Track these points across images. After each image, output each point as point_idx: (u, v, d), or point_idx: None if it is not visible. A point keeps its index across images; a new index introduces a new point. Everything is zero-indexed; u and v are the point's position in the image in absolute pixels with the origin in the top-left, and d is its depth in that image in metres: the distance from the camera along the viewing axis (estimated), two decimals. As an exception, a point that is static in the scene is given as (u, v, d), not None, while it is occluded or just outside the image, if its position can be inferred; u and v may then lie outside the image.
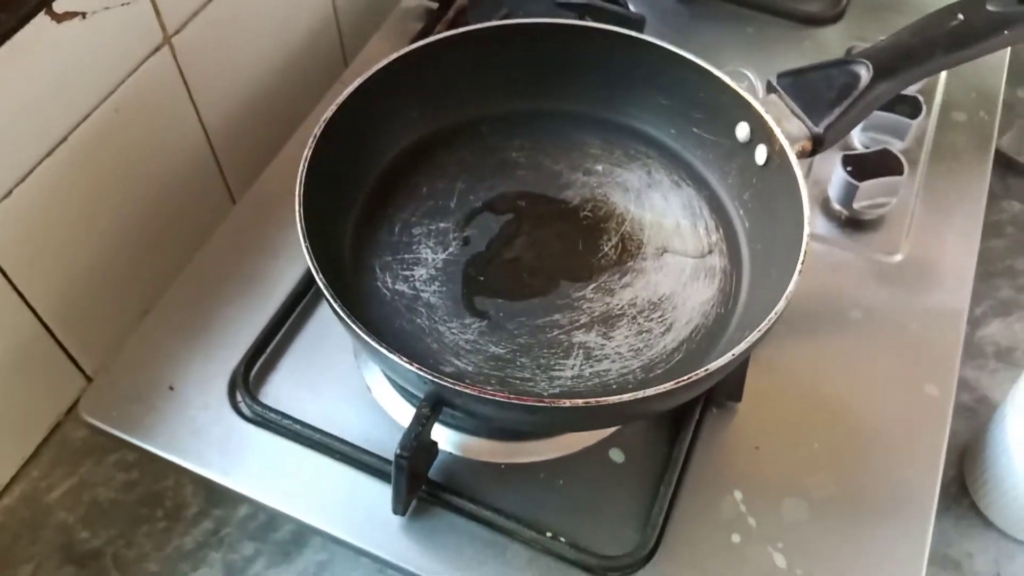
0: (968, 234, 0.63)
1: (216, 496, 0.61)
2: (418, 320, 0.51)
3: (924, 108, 0.65)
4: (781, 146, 0.51)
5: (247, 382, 0.54)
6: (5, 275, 0.54)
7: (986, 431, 0.62)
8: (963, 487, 0.64)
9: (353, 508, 0.51)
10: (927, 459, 0.53)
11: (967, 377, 0.69)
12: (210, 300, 0.59)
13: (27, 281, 0.56)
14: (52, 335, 0.59)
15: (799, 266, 0.46)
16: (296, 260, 0.60)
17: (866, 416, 0.55)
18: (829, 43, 0.75)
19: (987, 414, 0.64)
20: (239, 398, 0.54)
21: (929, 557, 0.50)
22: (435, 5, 0.75)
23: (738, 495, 0.52)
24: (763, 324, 0.44)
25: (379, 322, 0.51)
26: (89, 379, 0.63)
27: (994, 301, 0.73)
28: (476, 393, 0.41)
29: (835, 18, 0.76)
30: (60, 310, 0.59)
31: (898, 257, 0.62)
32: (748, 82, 0.71)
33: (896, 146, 0.65)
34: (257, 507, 0.60)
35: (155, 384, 0.55)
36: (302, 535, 0.59)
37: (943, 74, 0.72)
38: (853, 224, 0.63)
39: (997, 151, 0.69)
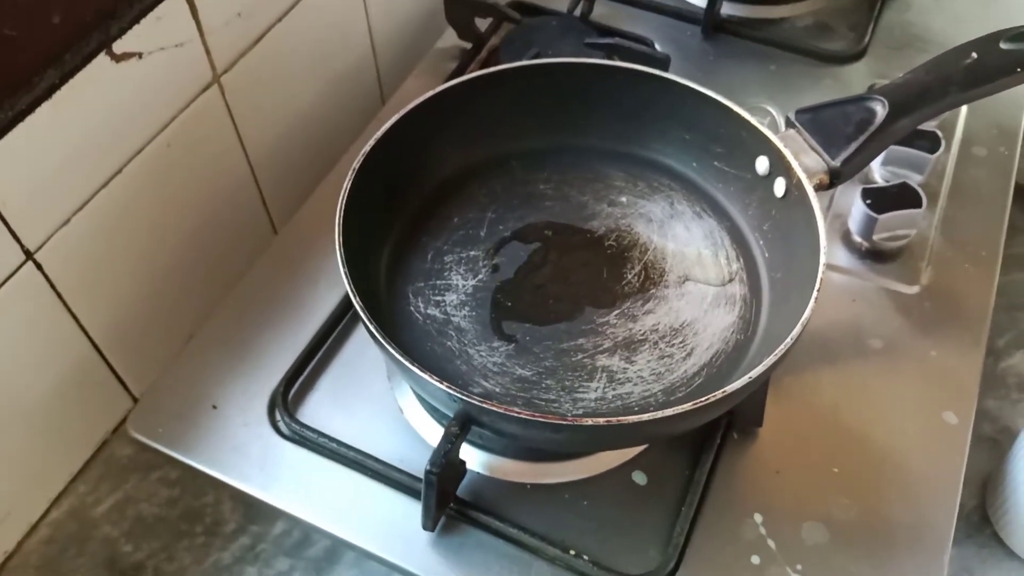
0: (988, 265, 0.64)
1: (253, 513, 0.63)
2: (448, 343, 0.54)
3: (943, 143, 0.67)
4: (799, 179, 0.53)
5: (286, 402, 0.57)
6: (61, 299, 0.57)
7: (1007, 461, 0.63)
8: (984, 516, 0.65)
9: (384, 524, 0.53)
10: (946, 485, 0.54)
11: (989, 408, 0.69)
12: (252, 324, 0.61)
13: (81, 305, 0.59)
14: (103, 357, 0.63)
15: (815, 293, 0.48)
16: (334, 287, 0.63)
17: (886, 442, 0.56)
18: (850, 81, 0.77)
19: (1009, 444, 0.64)
20: (278, 417, 0.57)
21: (951, 585, 0.51)
22: (469, 45, 0.79)
23: (758, 518, 0.53)
24: (779, 348, 0.46)
25: (411, 344, 0.53)
26: (135, 400, 0.66)
27: (1017, 333, 0.73)
28: (503, 411, 0.43)
29: (856, 56, 0.78)
30: (111, 333, 0.62)
31: (918, 288, 0.63)
32: (771, 118, 0.73)
33: (915, 180, 0.67)
34: (292, 524, 0.62)
35: (199, 403, 0.58)
36: (335, 552, 0.62)
37: (963, 110, 0.73)
38: (873, 255, 0.65)
39: (1017, 186, 0.70)
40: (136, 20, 0.56)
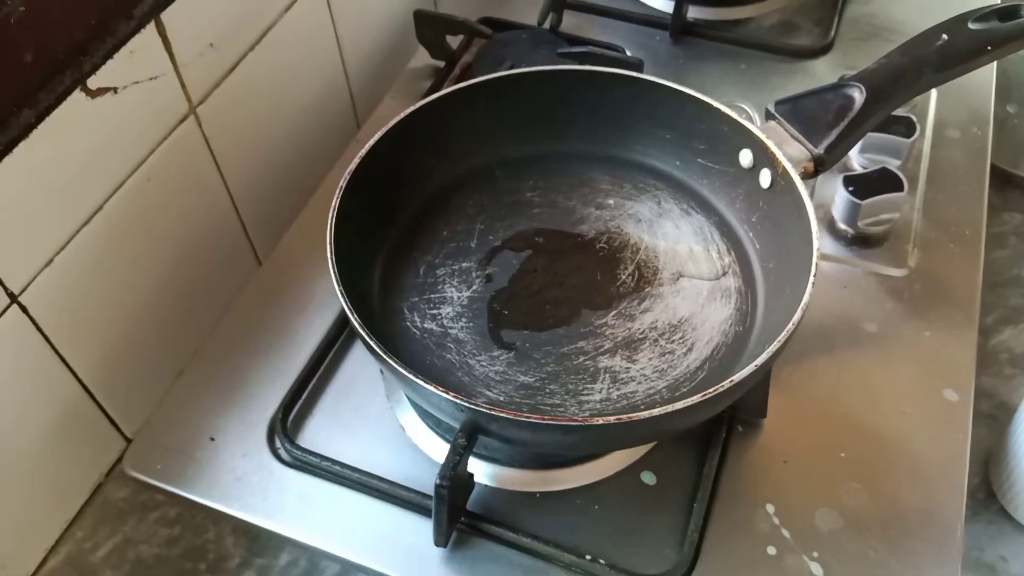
0: (972, 243, 0.65)
1: (257, 546, 0.62)
2: (448, 356, 0.53)
3: (918, 127, 0.68)
4: (785, 169, 0.53)
5: (285, 428, 0.56)
6: (48, 340, 0.56)
7: (1008, 435, 0.63)
8: (990, 492, 0.65)
9: (395, 544, 0.52)
10: (952, 462, 0.54)
11: (984, 385, 0.70)
12: (244, 354, 0.61)
13: (68, 346, 0.58)
14: (92, 398, 0.61)
15: (811, 278, 0.48)
16: (325, 311, 0.62)
17: (889, 424, 0.56)
18: (820, 74, 0.78)
19: (1007, 419, 0.65)
20: (278, 444, 0.56)
21: (963, 563, 0.50)
22: (442, 64, 0.79)
23: (770, 508, 0.53)
24: (782, 335, 0.46)
25: (410, 359, 0.53)
26: (128, 440, 0.65)
27: (1004, 310, 0.74)
28: (513, 417, 0.43)
29: (824, 50, 0.79)
30: (100, 373, 0.61)
31: (906, 270, 0.64)
32: (746, 115, 0.74)
33: (893, 165, 0.67)
34: (298, 553, 0.61)
35: (196, 437, 0.57)
36: (343, 579, 0.60)
37: (934, 95, 0.75)
38: (859, 242, 0.65)
39: (993, 166, 0.71)
40: (109, 55, 0.55)
